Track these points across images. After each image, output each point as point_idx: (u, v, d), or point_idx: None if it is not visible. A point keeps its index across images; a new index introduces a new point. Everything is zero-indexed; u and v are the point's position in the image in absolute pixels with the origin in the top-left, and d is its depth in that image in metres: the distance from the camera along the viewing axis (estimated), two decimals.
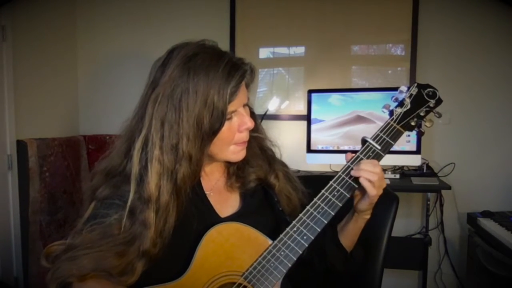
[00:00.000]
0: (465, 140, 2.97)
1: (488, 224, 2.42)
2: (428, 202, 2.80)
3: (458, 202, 2.96)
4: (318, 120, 2.82)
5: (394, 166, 2.85)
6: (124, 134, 1.21)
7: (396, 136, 1.18)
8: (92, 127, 3.38)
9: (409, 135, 2.63)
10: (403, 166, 2.88)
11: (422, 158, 2.75)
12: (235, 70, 1.13)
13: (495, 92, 2.92)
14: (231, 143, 1.19)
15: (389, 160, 2.70)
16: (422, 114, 1.20)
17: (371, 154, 1.17)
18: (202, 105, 1.09)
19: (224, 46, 3.05)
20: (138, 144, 1.13)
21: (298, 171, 2.78)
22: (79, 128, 3.45)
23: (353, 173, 1.14)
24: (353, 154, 1.19)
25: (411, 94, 1.21)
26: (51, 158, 2.82)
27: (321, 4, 3.09)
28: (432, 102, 1.20)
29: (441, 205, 2.91)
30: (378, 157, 1.17)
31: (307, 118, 2.85)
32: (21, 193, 2.69)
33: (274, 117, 3.20)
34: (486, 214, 2.56)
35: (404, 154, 2.68)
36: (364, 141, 1.19)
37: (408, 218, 3.05)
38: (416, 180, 2.67)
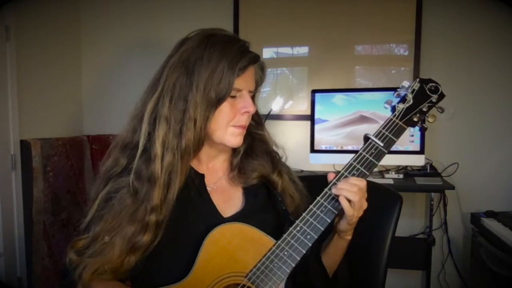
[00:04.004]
0: (468, 140, 2.97)
1: (492, 224, 2.42)
2: (432, 202, 2.80)
3: (462, 202, 2.95)
4: (321, 120, 2.82)
5: (398, 166, 2.85)
6: (138, 104, 1.26)
7: (399, 132, 1.17)
8: (96, 127, 3.38)
9: (412, 135, 2.63)
10: (406, 166, 2.87)
11: (426, 158, 2.74)
12: (248, 52, 1.22)
13: (498, 92, 2.91)
14: (230, 122, 1.22)
15: (392, 160, 2.71)
16: (424, 109, 1.19)
17: (374, 151, 1.15)
18: (213, 71, 1.15)
19: None
20: (150, 105, 1.19)
21: (302, 171, 2.78)
22: (82, 128, 3.46)
23: (334, 191, 1.13)
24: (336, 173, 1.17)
25: (413, 90, 1.19)
26: (55, 158, 2.82)
27: (324, 4, 3.09)
28: (434, 97, 1.19)
29: (445, 205, 2.91)
30: (381, 154, 1.16)
31: (311, 118, 2.85)
32: (24, 193, 2.69)
33: (278, 117, 3.20)
34: (490, 214, 2.55)
35: (408, 154, 2.67)
36: (366, 138, 1.17)
37: (412, 218, 3.04)
38: (419, 180, 2.66)
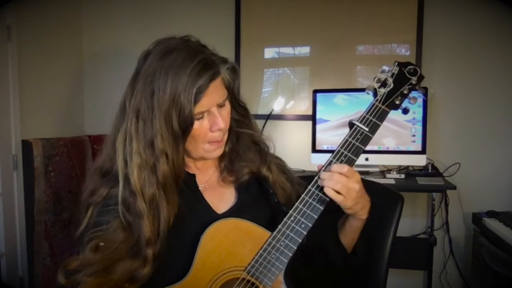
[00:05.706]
0: (470, 140, 2.96)
1: (493, 224, 2.41)
2: (433, 202, 2.80)
3: (463, 202, 2.95)
4: (323, 120, 2.82)
5: (399, 166, 2.84)
6: (112, 130, 1.22)
7: (382, 116, 1.17)
8: (97, 127, 3.38)
9: (414, 135, 2.63)
10: (408, 166, 2.86)
11: (427, 158, 2.74)
12: (205, 70, 1.11)
13: (500, 92, 2.91)
14: (204, 142, 1.19)
15: (394, 160, 2.71)
16: (405, 92, 1.19)
17: (359, 136, 1.16)
18: (170, 104, 1.09)
19: (230, 46, 3.08)
20: (120, 137, 1.15)
21: (303, 171, 2.78)
22: (84, 128, 3.46)
23: (319, 182, 1.13)
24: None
25: (393, 73, 1.19)
26: (56, 158, 2.83)
27: (326, 4, 3.09)
28: (414, 79, 1.19)
29: (446, 205, 2.90)
30: (367, 138, 1.16)
31: (312, 118, 2.85)
32: (26, 193, 2.70)
33: (279, 117, 3.20)
34: (491, 214, 2.55)
35: (409, 154, 2.66)
36: (351, 124, 1.19)
37: (413, 218, 3.04)
38: (421, 180, 2.65)
